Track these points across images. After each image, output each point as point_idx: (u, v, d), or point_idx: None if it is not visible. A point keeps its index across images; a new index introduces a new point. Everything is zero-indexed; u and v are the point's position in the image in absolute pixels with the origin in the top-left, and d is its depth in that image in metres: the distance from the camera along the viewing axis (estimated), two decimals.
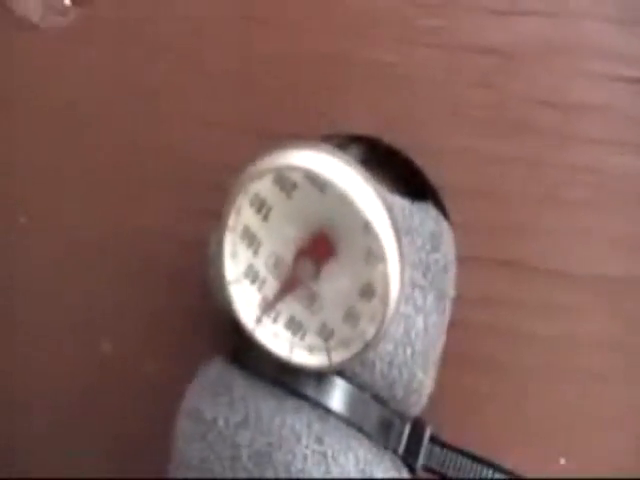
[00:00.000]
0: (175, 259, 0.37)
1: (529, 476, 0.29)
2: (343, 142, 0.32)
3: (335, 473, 0.26)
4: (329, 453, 0.26)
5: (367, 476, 0.27)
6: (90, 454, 0.39)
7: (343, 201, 0.24)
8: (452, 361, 0.31)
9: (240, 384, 0.28)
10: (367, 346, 0.25)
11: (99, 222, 0.38)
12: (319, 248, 0.25)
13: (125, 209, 0.38)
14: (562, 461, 0.35)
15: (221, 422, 0.27)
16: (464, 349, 0.34)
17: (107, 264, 0.38)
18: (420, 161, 0.32)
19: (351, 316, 0.26)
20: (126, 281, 0.38)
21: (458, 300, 0.30)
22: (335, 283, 0.26)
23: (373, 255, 0.24)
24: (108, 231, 0.38)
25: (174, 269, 0.37)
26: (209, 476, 0.27)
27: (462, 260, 0.31)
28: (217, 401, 0.28)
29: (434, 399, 0.30)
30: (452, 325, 0.30)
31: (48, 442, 0.39)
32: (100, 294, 0.38)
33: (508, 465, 0.29)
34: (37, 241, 0.39)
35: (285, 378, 0.27)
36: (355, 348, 0.25)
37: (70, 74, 0.37)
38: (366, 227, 0.24)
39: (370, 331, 0.25)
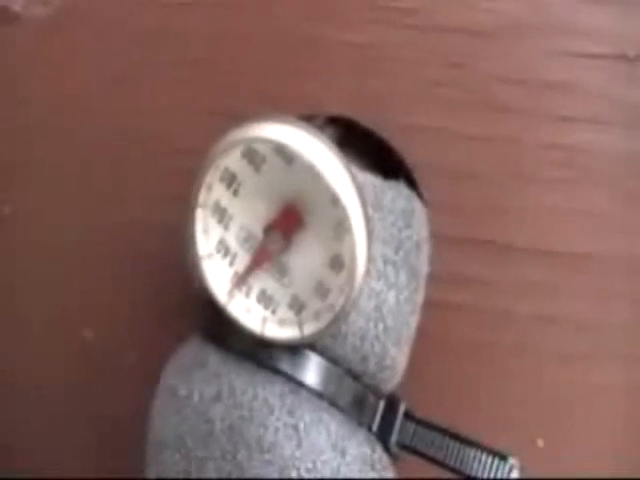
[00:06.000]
0: (156, 247, 0.37)
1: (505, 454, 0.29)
2: (318, 124, 0.32)
3: (306, 446, 0.26)
4: (301, 426, 0.26)
5: (339, 450, 0.27)
6: (73, 443, 0.39)
7: (311, 173, 0.24)
8: (427, 341, 0.31)
9: (215, 361, 0.28)
10: (336, 317, 0.25)
11: (80, 211, 0.38)
12: (288, 220, 0.26)
13: (107, 198, 0.38)
14: (540, 443, 0.35)
15: (195, 397, 0.27)
16: (440, 329, 0.34)
17: (89, 253, 0.38)
18: (394, 141, 0.32)
19: (321, 288, 0.26)
20: (107, 269, 0.38)
21: (433, 280, 0.30)
22: (305, 255, 0.26)
23: (341, 227, 0.25)
24: (90, 220, 0.38)
25: (155, 257, 0.37)
26: (183, 452, 0.27)
27: (437, 239, 0.31)
28: (192, 377, 0.28)
29: (410, 379, 0.30)
30: (428, 305, 0.30)
31: (31, 433, 0.39)
32: (81, 283, 0.38)
33: None
34: (20, 231, 0.39)
35: (258, 353, 0.27)
36: (325, 320, 0.26)
37: (51, 64, 0.37)
38: (334, 199, 0.24)
39: (339, 303, 0.25)
